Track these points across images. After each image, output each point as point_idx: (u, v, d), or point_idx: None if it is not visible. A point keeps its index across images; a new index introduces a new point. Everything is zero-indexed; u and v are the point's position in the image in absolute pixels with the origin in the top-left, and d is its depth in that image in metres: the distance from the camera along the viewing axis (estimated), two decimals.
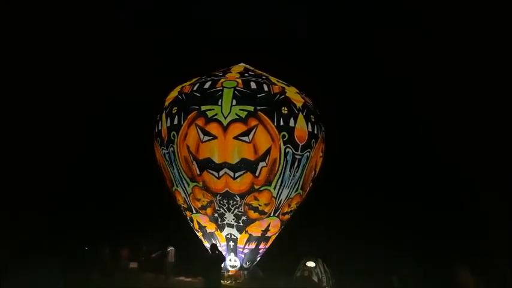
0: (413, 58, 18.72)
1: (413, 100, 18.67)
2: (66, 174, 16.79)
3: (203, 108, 13.50)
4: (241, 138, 13.22)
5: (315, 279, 13.50)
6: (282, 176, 13.79)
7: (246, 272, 15.10)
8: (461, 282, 9.15)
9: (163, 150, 14.34)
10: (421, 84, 18.59)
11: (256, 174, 13.47)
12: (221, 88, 13.76)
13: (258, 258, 15.28)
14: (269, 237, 14.90)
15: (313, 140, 14.41)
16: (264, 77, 14.69)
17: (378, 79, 19.90)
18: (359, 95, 20.33)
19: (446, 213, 17.17)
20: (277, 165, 13.62)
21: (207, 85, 14.05)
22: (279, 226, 14.87)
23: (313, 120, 14.50)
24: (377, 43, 19.59)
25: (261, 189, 13.69)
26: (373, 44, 19.87)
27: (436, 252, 16.16)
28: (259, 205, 13.88)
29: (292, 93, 14.55)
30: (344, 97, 20.04)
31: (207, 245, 14.74)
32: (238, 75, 14.49)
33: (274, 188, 13.85)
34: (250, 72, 14.95)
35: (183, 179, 14.15)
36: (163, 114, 14.41)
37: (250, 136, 13.24)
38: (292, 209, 14.84)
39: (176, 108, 14.03)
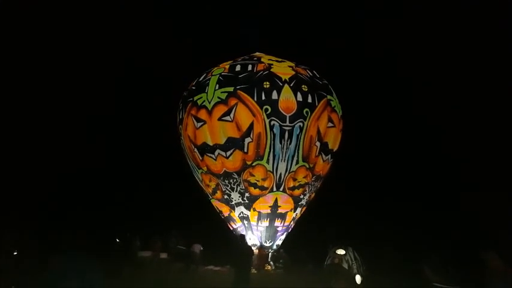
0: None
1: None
2: (96, 169, 18.78)
3: (195, 98, 14.70)
4: (224, 118, 13.92)
5: (345, 266, 12.96)
6: (272, 149, 13.86)
7: (272, 263, 15.16)
8: (491, 268, 8.50)
9: (181, 143, 15.92)
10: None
11: (245, 151, 13.89)
12: (209, 77, 14.79)
13: (281, 237, 15.26)
14: (284, 214, 14.82)
15: (307, 109, 14.06)
16: (255, 59, 15.12)
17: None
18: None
19: (475, 200, 16.19)
20: (264, 139, 13.77)
21: (201, 77, 15.22)
22: (292, 202, 14.69)
23: (305, 89, 14.21)
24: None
25: (254, 164, 13.98)
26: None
27: (466, 240, 14.44)
28: (257, 180, 14.14)
29: (281, 67, 14.63)
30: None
31: (231, 227, 15.51)
32: (231, 62, 15.24)
33: (268, 162, 13.97)
34: (245, 57, 15.52)
35: (194, 168, 15.42)
36: (178, 112, 16.08)
37: (232, 115, 13.84)
38: (300, 183, 14.52)
39: (181, 104, 15.57)
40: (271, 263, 15.28)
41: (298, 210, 15.24)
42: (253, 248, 14.96)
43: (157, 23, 21.26)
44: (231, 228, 15.59)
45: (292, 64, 15.03)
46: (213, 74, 14.79)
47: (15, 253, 12.23)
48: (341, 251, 13.29)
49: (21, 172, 17.03)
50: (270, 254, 15.36)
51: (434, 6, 18.93)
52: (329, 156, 15.18)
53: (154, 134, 19.12)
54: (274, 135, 13.76)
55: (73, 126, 19.05)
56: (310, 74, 14.91)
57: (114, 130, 20.02)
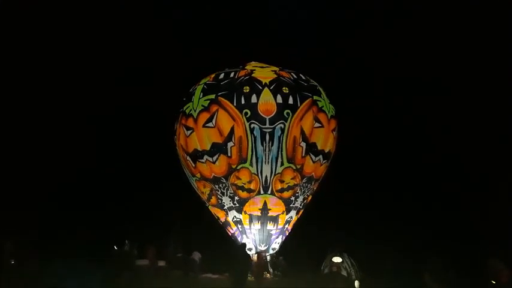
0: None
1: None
2: (93, 174, 19.06)
3: (184, 107, 15.32)
4: (207, 125, 14.39)
5: (344, 273, 13.06)
6: (254, 151, 14.03)
7: (272, 270, 15.13)
8: (494, 274, 8.77)
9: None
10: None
11: (229, 155, 14.20)
12: (196, 87, 15.38)
13: (276, 240, 15.18)
14: (275, 217, 14.80)
15: (288, 110, 14.12)
16: (241, 67, 15.43)
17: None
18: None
19: (477, 206, 16.17)
20: (246, 142, 14.00)
21: (191, 89, 15.82)
22: (283, 204, 14.65)
23: (286, 91, 14.29)
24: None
25: (238, 167, 14.22)
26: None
27: (468, 246, 14.69)
28: (244, 183, 14.34)
29: (263, 72, 14.87)
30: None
31: (229, 232, 15.68)
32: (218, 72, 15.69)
33: (251, 165, 14.14)
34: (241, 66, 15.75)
35: (189, 177, 15.84)
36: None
37: (214, 121, 14.28)
38: (289, 184, 14.46)
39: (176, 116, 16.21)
40: (270, 270, 15.15)
41: (293, 213, 15.10)
42: (249, 252, 15.05)
43: (157, 23, 21.59)
44: (229, 234, 15.74)
45: (276, 68, 15.13)
46: (199, 83, 15.33)
47: (12, 262, 12.50)
48: (338, 259, 13.28)
49: (16, 179, 17.55)
50: (268, 261, 15.20)
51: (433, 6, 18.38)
52: (320, 157, 14.91)
53: (154, 141, 19.32)
54: (254, 138, 13.95)
55: (70, 129, 19.46)
56: (294, 77, 14.93)
57: (113, 135, 20.38)
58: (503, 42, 17.07)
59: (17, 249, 12.81)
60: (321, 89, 15.38)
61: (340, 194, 18.06)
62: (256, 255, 14.80)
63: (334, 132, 15.41)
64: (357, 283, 12.65)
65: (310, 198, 15.54)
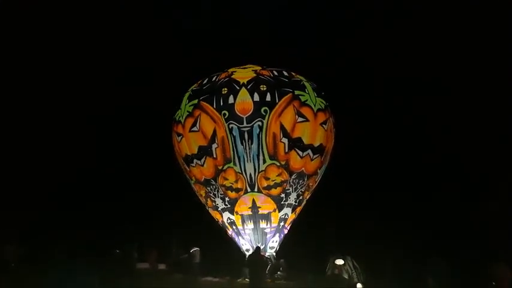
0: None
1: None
2: (93, 174, 19.14)
3: (175, 115, 15.98)
4: (193, 129, 14.91)
5: (345, 276, 13.25)
6: (235, 151, 14.38)
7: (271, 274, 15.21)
8: (498, 278, 9.37)
9: None
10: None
11: (214, 156, 14.62)
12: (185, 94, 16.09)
13: (273, 239, 15.24)
14: (267, 215, 14.91)
15: (265, 107, 14.34)
16: (225, 70, 15.92)
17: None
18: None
19: (477, 206, 16.03)
20: (227, 142, 14.40)
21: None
22: (273, 202, 14.74)
23: (263, 89, 14.52)
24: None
25: (224, 168, 14.58)
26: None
27: (469, 246, 14.50)
28: (232, 183, 14.63)
29: (242, 73, 15.17)
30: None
31: (228, 234, 15.93)
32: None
33: (235, 164, 14.46)
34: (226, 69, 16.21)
35: (188, 181, 16.23)
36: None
37: (198, 125, 14.80)
38: (275, 181, 14.53)
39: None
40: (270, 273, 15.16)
41: (287, 210, 15.06)
42: (247, 253, 15.15)
43: (157, 23, 21.88)
44: (228, 235, 15.95)
45: (258, 68, 15.38)
46: (188, 91, 15.98)
47: (12, 265, 12.98)
48: (340, 261, 13.50)
49: (16, 179, 18.05)
50: (269, 264, 15.14)
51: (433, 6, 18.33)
52: (309, 151, 14.79)
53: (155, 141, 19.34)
54: (234, 137, 14.28)
55: (70, 129, 19.81)
56: (275, 74, 15.06)
57: (113, 135, 20.61)
58: (503, 42, 16.81)
59: (17, 251, 13.45)
60: (306, 84, 15.27)
61: (341, 193, 17.82)
62: None
63: (324, 126, 15.15)
64: (359, 285, 12.41)
65: (307, 194, 15.40)
